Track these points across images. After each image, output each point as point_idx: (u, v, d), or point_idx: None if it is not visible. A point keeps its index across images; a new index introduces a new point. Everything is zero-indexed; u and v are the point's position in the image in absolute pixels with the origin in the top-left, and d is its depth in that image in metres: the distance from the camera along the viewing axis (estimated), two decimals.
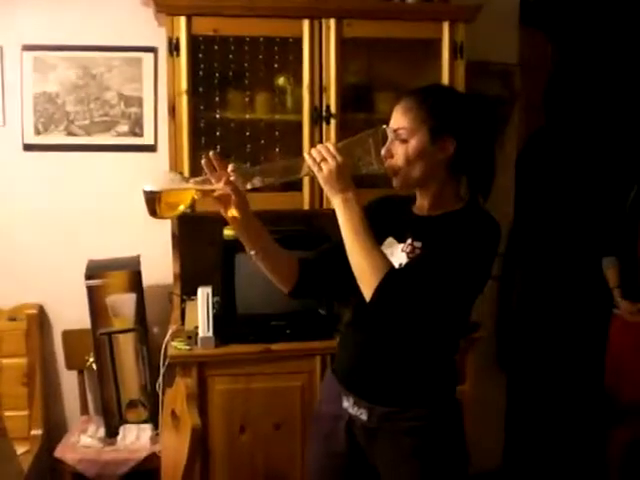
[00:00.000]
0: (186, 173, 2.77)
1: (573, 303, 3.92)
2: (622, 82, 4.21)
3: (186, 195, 1.72)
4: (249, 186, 1.75)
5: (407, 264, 1.80)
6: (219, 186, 1.72)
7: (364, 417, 1.89)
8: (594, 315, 3.52)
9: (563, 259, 4.02)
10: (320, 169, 1.71)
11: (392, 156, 1.81)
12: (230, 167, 1.73)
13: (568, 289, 3.96)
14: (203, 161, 1.73)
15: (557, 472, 3.69)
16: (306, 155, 1.74)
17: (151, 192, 1.68)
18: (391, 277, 1.66)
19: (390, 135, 1.79)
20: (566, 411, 3.99)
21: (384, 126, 1.80)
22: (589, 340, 3.63)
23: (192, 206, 1.82)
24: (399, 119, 1.82)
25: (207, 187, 1.73)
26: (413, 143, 1.79)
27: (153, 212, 1.70)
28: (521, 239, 3.74)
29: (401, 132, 1.80)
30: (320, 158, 1.71)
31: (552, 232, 4.06)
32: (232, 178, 1.72)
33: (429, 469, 1.87)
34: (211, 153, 1.73)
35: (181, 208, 1.73)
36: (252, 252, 1.87)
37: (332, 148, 1.72)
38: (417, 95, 1.84)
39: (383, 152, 1.78)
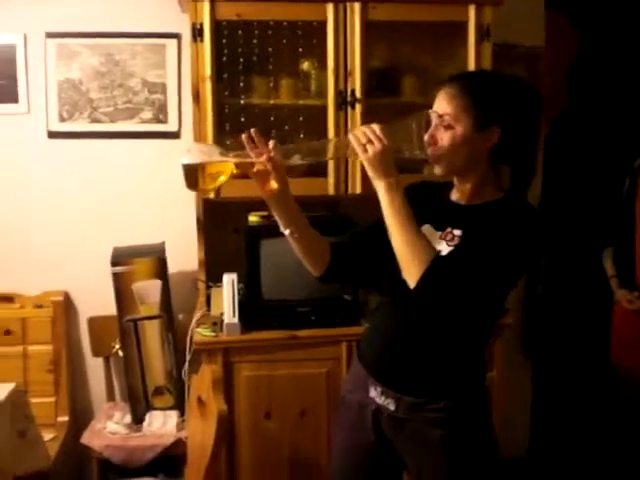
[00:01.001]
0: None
1: (598, 290, 3.87)
2: None
3: (226, 167, 1.70)
4: (290, 163, 1.74)
5: (451, 252, 1.76)
6: (260, 159, 1.70)
7: (392, 407, 1.87)
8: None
9: (587, 245, 3.97)
10: (365, 151, 1.67)
11: (436, 142, 1.76)
12: (271, 144, 1.71)
13: (592, 275, 3.91)
14: (244, 136, 1.70)
15: (583, 459, 3.66)
16: (351, 136, 1.70)
17: (191, 165, 1.67)
18: (437, 265, 1.63)
19: (435, 120, 1.75)
20: (592, 398, 3.96)
21: (429, 111, 1.76)
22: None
23: (217, 190, 1.81)
24: (444, 105, 1.76)
25: (247, 160, 1.71)
26: (458, 130, 1.74)
27: (194, 184, 1.68)
28: (547, 224, 3.70)
29: (446, 118, 1.74)
30: (365, 140, 1.67)
31: (576, 217, 4.01)
32: (272, 154, 1.70)
33: (457, 461, 1.86)
34: (252, 130, 1.71)
35: (222, 179, 1.71)
36: (287, 231, 1.83)
37: (378, 130, 1.67)
38: (462, 81, 1.79)
39: (426, 137, 1.74)
